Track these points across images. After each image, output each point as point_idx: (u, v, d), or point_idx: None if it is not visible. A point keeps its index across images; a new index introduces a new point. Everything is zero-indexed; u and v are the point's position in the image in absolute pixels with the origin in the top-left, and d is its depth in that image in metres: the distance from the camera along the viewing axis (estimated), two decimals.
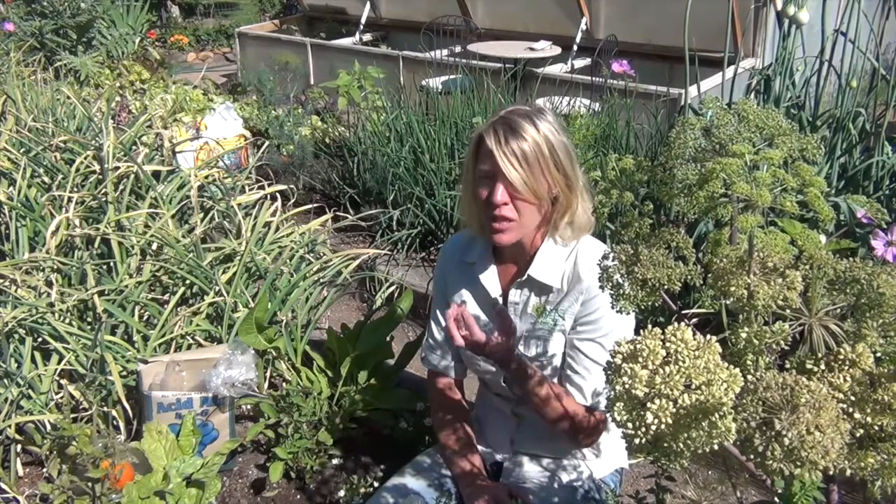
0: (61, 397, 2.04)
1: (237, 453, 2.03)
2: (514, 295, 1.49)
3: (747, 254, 0.80)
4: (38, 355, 2.08)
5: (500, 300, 1.51)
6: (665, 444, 0.66)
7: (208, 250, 2.41)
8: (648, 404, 0.65)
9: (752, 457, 0.64)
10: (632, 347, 0.70)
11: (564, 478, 1.54)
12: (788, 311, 0.74)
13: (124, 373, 2.03)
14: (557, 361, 1.47)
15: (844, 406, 0.67)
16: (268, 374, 2.22)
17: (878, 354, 0.71)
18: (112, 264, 2.31)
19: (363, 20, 6.37)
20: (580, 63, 5.03)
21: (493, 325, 1.50)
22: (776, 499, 0.98)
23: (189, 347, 2.17)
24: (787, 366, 0.74)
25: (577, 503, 1.51)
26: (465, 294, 1.55)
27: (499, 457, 1.62)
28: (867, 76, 2.97)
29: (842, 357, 0.70)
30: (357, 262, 2.59)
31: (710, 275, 0.81)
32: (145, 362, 1.97)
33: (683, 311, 0.95)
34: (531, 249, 1.47)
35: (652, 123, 3.31)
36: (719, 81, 3.15)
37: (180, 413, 1.92)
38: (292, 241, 2.56)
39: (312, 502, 1.91)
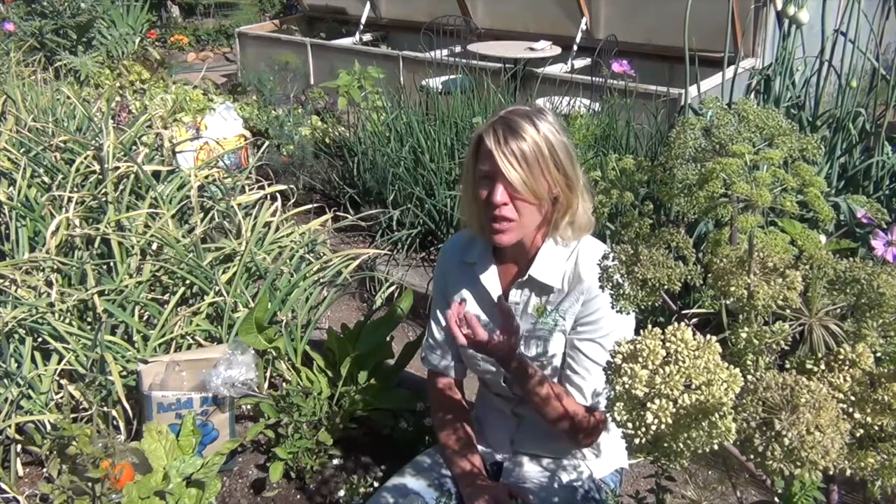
0: (61, 397, 2.04)
1: (237, 453, 2.03)
2: (515, 295, 1.49)
3: (747, 254, 0.80)
4: (38, 355, 2.08)
5: (502, 298, 1.51)
6: (665, 444, 0.66)
7: (208, 250, 2.41)
8: (648, 404, 0.65)
9: (752, 457, 0.64)
10: (632, 347, 0.70)
11: (564, 478, 1.54)
12: (788, 311, 0.74)
13: (124, 373, 2.03)
14: (557, 361, 1.47)
15: (844, 406, 0.67)
16: (268, 374, 2.22)
17: (878, 354, 0.71)
18: (112, 264, 2.31)
19: (363, 20, 6.37)
20: (580, 63, 5.03)
21: (493, 324, 1.50)
22: (776, 499, 0.98)
23: (189, 347, 2.17)
24: (787, 366, 0.74)
25: (577, 503, 1.51)
26: (466, 294, 1.55)
27: (499, 457, 1.62)
28: (867, 76, 2.97)
29: (842, 357, 0.70)
30: (357, 262, 2.59)
31: (710, 275, 0.81)
32: (145, 362, 1.97)
33: (683, 311, 0.95)
34: (532, 249, 1.47)
35: (652, 123, 3.31)
36: (719, 81, 3.15)
37: (180, 413, 1.92)
38: (292, 241, 2.56)
39: (312, 502, 1.91)
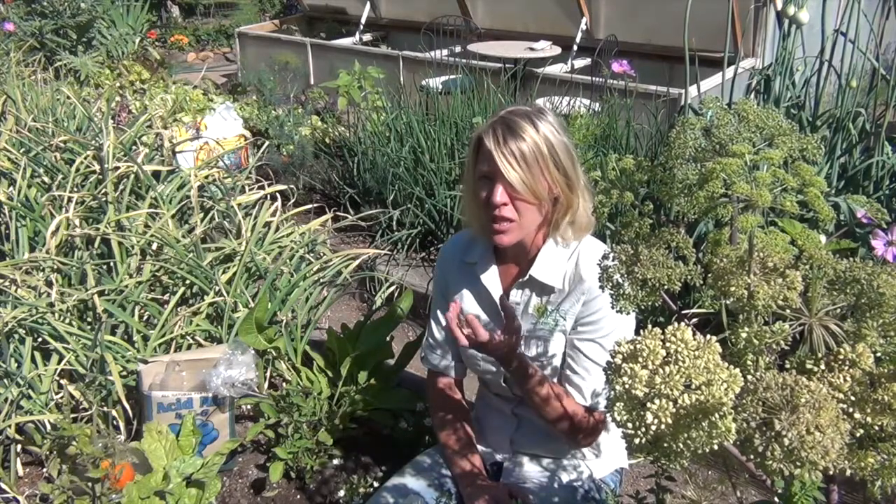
0: (61, 397, 2.04)
1: (237, 453, 2.03)
2: (516, 295, 1.49)
3: (747, 254, 0.80)
4: (38, 355, 2.08)
5: (504, 297, 1.51)
6: (665, 444, 0.66)
7: (208, 250, 2.41)
8: (648, 404, 0.65)
9: (752, 457, 0.64)
10: (632, 347, 0.70)
11: (564, 478, 1.54)
12: (788, 311, 0.74)
13: (124, 373, 2.03)
14: (557, 361, 1.47)
15: (844, 406, 0.67)
16: (268, 374, 2.22)
17: (878, 354, 0.71)
18: (112, 264, 2.31)
19: (363, 20, 6.37)
20: (580, 63, 5.03)
21: (494, 324, 1.50)
22: (776, 499, 0.98)
23: (189, 347, 2.17)
24: (787, 366, 0.74)
25: (577, 503, 1.51)
26: (467, 294, 1.55)
27: (499, 457, 1.62)
28: (867, 76, 2.97)
29: (842, 357, 0.70)
30: (357, 262, 2.59)
31: (710, 275, 0.81)
32: (145, 362, 1.97)
33: (683, 311, 0.95)
34: (533, 250, 1.47)
35: (652, 123, 3.31)
36: (719, 81, 3.15)
37: (180, 413, 1.92)
38: (292, 241, 2.56)
39: (312, 502, 1.91)
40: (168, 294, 2.29)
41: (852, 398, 0.68)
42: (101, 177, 2.53)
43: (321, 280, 2.48)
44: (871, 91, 2.83)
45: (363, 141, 3.81)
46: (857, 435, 0.68)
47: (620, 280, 0.86)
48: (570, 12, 5.27)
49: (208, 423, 1.95)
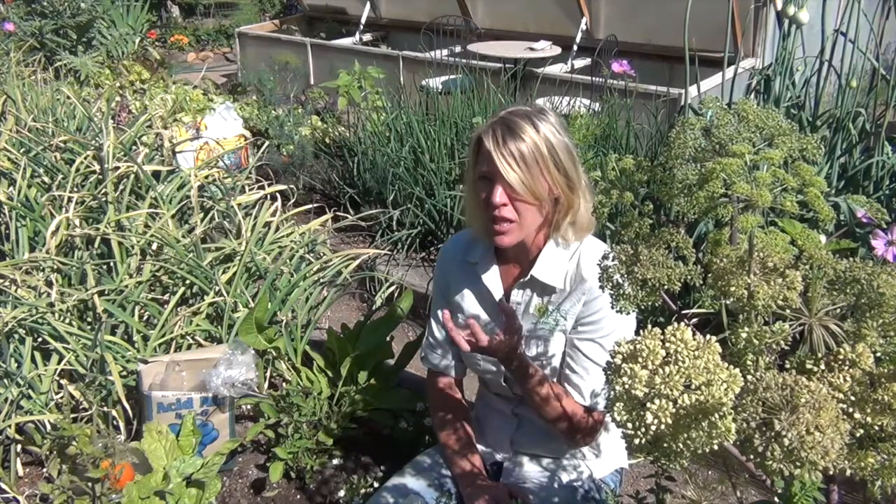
0: (61, 397, 2.04)
1: (237, 453, 2.03)
2: (517, 295, 1.49)
3: (747, 254, 0.80)
4: (38, 355, 2.08)
5: (504, 300, 1.51)
6: (665, 445, 0.66)
7: (208, 250, 2.41)
8: (648, 404, 0.65)
9: (752, 457, 0.64)
10: (632, 347, 0.70)
11: (564, 478, 1.54)
12: (788, 311, 0.74)
13: (124, 373, 2.03)
14: (557, 361, 1.47)
15: (844, 406, 0.67)
16: (268, 374, 2.22)
17: (878, 354, 0.71)
18: (112, 264, 2.31)
19: (363, 20, 6.37)
20: (580, 63, 5.03)
21: (494, 323, 1.50)
22: (776, 499, 0.98)
23: (189, 347, 2.17)
24: (787, 366, 0.73)
25: (577, 503, 1.51)
26: (468, 294, 1.55)
27: (499, 457, 1.62)
28: (867, 76, 2.97)
29: (842, 357, 0.70)
30: (357, 262, 2.59)
31: (710, 275, 0.81)
32: (145, 362, 1.97)
33: (683, 311, 0.95)
34: (534, 250, 1.47)
35: (652, 123, 3.31)
36: (719, 81, 3.15)
37: (180, 413, 1.92)
38: (292, 241, 2.56)
39: (312, 502, 1.91)
40: (168, 294, 2.29)
41: (852, 398, 0.68)
42: (101, 177, 2.53)
43: (321, 280, 2.48)
44: (871, 91, 2.83)
45: (363, 141, 3.81)
46: (857, 435, 0.68)
47: (620, 280, 0.86)
48: (570, 12, 5.27)
49: (208, 423, 1.95)
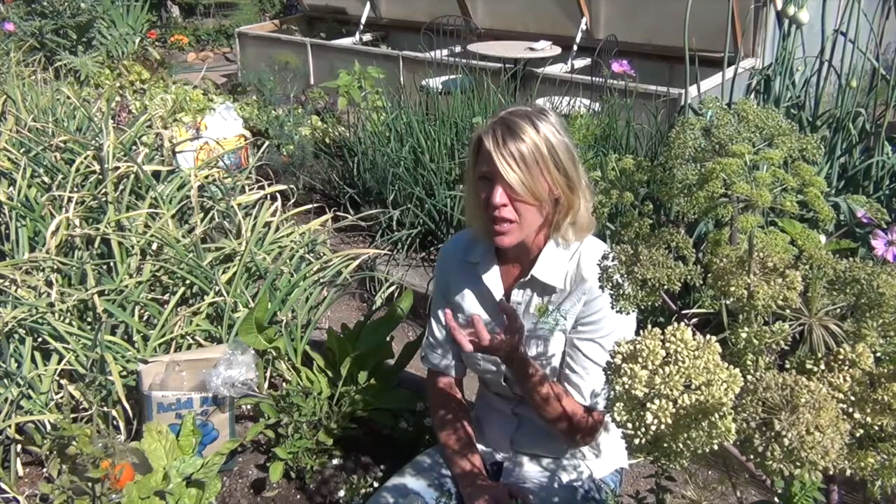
0: (61, 397, 2.04)
1: (237, 453, 2.03)
2: (517, 295, 1.49)
3: (747, 254, 0.80)
4: (38, 355, 2.08)
5: (504, 300, 1.51)
6: (665, 445, 0.66)
7: (208, 250, 2.41)
8: (648, 404, 0.65)
9: (752, 457, 0.64)
10: (632, 347, 0.70)
11: (564, 478, 1.54)
12: (788, 311, 0.74)
13: (124, 373, 2.03)
14: (557, 361, 1.47)
15: (844, 406, 0.67)
16: (268, 374, 2.22)
17: (878, 354, 0.71)
18: (112, 264, 2.31)
19: (363, 20, 6.37)
20: (580, 63, 5.03)
21: (495, 323, 1.50)
22: (776, 499, 0.98)
23: (189, 347, 2.17)
24: (787, 366, 0.73)
25: (577, 503, 1.51)
26: (468, 294, 1.55)
27: (499, 457, 1.62)
28: (867, 76, 2.97)
29: (842, 357, 0.70)
30: (357, 262, 2.59)
31: (710, 275, 0.81)
32: (145, 362, 1.97)
33: (683, 311, 0.95)
34: (534, 250, 1.47)
35: (652, 123, 3.31)
36: (719, 81, 3.15)
37: (180, 413, 1.92)
38: (292, 241, 2.56)
39: (312, 502, 1.91)
40: (168, 294, 2.29)
41: (852, 398, 0.68)
42: (101, 177, 2.53)
43: (321, 280, 2.48)
44: (871, 91, 2.83)
45: (363, 141, 3.81)
46: (857, 435, 0.68)
47: (620, 280, 0.86)
48: (570, 12, 5.27)
49: (208, 423, 1.95)
